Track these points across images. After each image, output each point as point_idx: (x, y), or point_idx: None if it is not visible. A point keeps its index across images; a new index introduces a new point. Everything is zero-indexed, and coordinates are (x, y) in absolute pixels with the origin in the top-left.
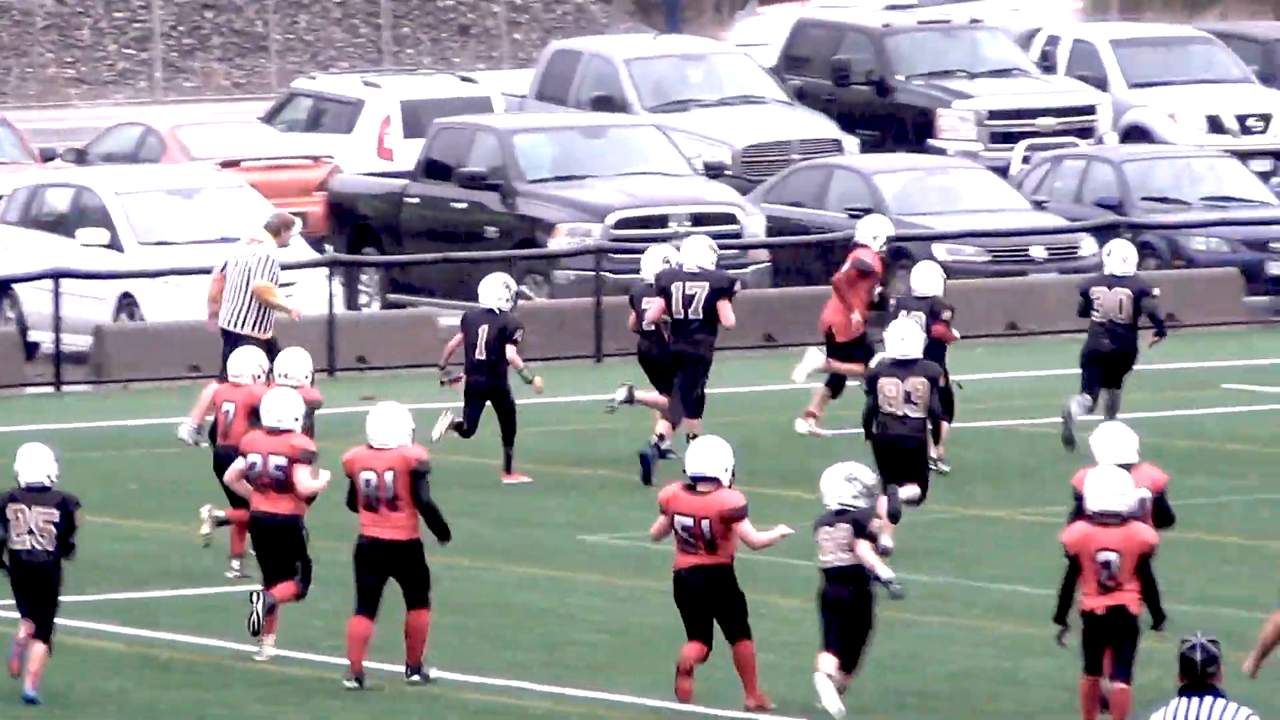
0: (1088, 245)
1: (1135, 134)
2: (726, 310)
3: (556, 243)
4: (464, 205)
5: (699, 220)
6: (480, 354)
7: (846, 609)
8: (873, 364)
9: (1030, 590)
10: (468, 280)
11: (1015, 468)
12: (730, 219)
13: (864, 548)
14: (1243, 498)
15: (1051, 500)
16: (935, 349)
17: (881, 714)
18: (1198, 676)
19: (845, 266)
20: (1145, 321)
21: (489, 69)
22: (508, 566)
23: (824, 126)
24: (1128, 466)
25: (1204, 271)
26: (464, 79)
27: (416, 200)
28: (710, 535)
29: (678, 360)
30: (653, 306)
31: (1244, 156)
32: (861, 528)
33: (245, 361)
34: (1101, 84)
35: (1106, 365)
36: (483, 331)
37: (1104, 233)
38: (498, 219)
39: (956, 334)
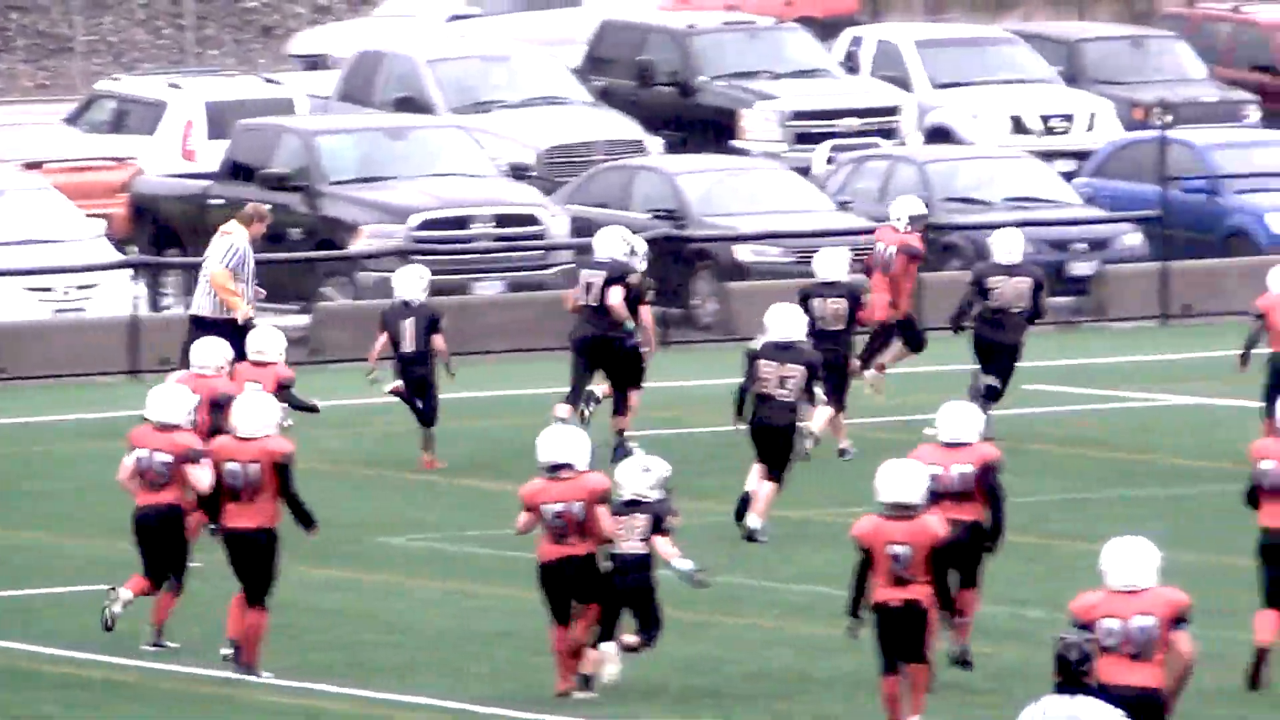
0: None
1: (939, 135)
2: (613, 295)
3: (360, 244)
4: (267, 207)
5: (503, 221)
6: (410, 346)
7: (635, 596)
8: (753, 345)
9: (829, 590)
10: (270, 281)
11: (816, 467)
12: (533, 220)
13: (662, 543)
14: (1042, 498)
15: (852, 500)
16: (847, 334)
17: (679, 715)
18: (1071, 674)
19: (894, 254)
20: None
21: (293, 70)
22: (308, 568)
23: (627, 127)
24: (964, 445)
25: None
26: (268, 80)
27: (220, 202)
28: (582, 518)
29: (596, 350)
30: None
31: (1047, 157)
32: (659, 522)
33: (209, 353)
34: (905, 84)
35: (1000, 355)
36: (408, 325)
37: None
38: (301, 220)
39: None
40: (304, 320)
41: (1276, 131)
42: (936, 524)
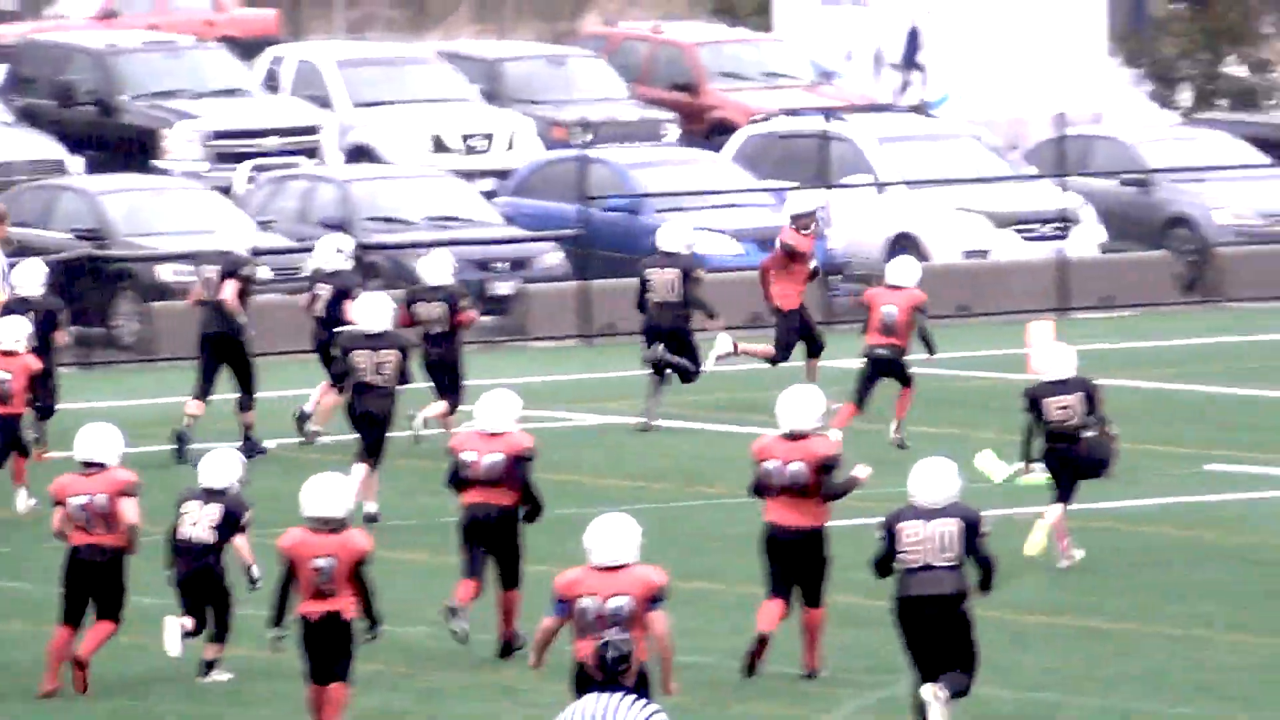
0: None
1: (360, 154)
2: (226, 289)
3: None
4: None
5: None
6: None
7: (199, 581)
8: (341, 340)
9: (259, 613)
10: None
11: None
12: None
13: (242, 543)
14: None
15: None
16: (454, 336)
17: None
18: (610, 673)
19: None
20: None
21: None
22: None
23: (48, 147)
24: (499, 434)
25: None
26: None
27: None
28: (106, 510)
29: (218, 345)
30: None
31: (468, 176)
32: (235, 517)
33: None
34: (326, 104)
35: (661, 340)
36: (29, 318)
37: None
38: None
39: (475, 314)
40: None
41: (694, 150)
42: (360, 538)
